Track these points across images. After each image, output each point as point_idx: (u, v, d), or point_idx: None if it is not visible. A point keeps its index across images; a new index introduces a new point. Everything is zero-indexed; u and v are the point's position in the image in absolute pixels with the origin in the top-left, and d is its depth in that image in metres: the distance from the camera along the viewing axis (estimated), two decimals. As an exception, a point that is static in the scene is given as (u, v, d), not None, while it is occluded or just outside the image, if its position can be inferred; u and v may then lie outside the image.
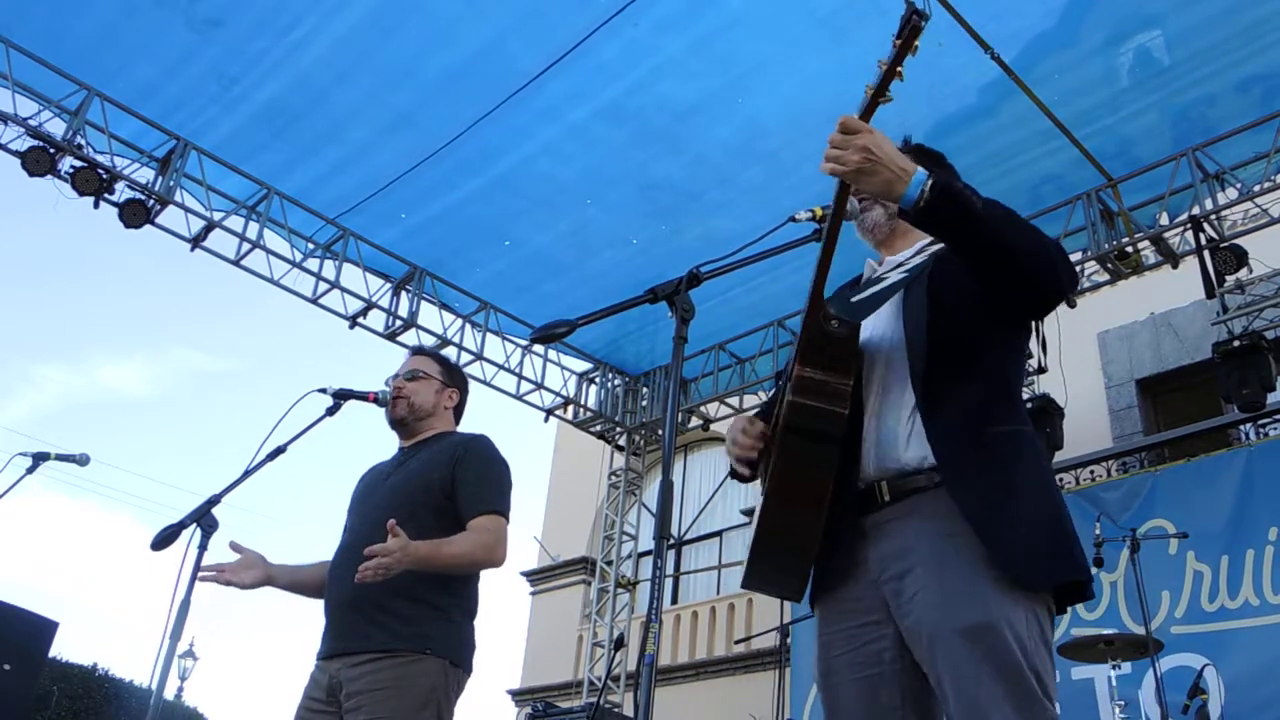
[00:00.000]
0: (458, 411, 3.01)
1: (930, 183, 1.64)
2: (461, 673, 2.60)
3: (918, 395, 1.76)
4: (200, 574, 2.49)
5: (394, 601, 2.55)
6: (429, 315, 7.29)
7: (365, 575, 2.34)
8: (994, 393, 1.80)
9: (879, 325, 1.87)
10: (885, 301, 1.85)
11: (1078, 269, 6.35)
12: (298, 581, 2.81)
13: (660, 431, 8.50)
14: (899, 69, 1.61)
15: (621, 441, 8.73)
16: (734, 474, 1.98)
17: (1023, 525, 1.67)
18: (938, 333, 1.77)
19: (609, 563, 8.66)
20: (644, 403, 8.54)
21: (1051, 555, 1.69)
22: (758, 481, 1.98)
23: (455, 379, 3.03)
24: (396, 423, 2.90)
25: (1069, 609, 1.85)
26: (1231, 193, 5.71)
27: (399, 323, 7.10)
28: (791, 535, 1.80)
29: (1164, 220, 5.98)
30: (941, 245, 1.84)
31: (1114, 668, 4.37)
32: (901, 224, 1.97)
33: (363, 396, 2.81)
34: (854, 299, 1.85)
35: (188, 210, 6.32)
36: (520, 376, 7.89)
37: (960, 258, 1.74)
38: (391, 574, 2.36)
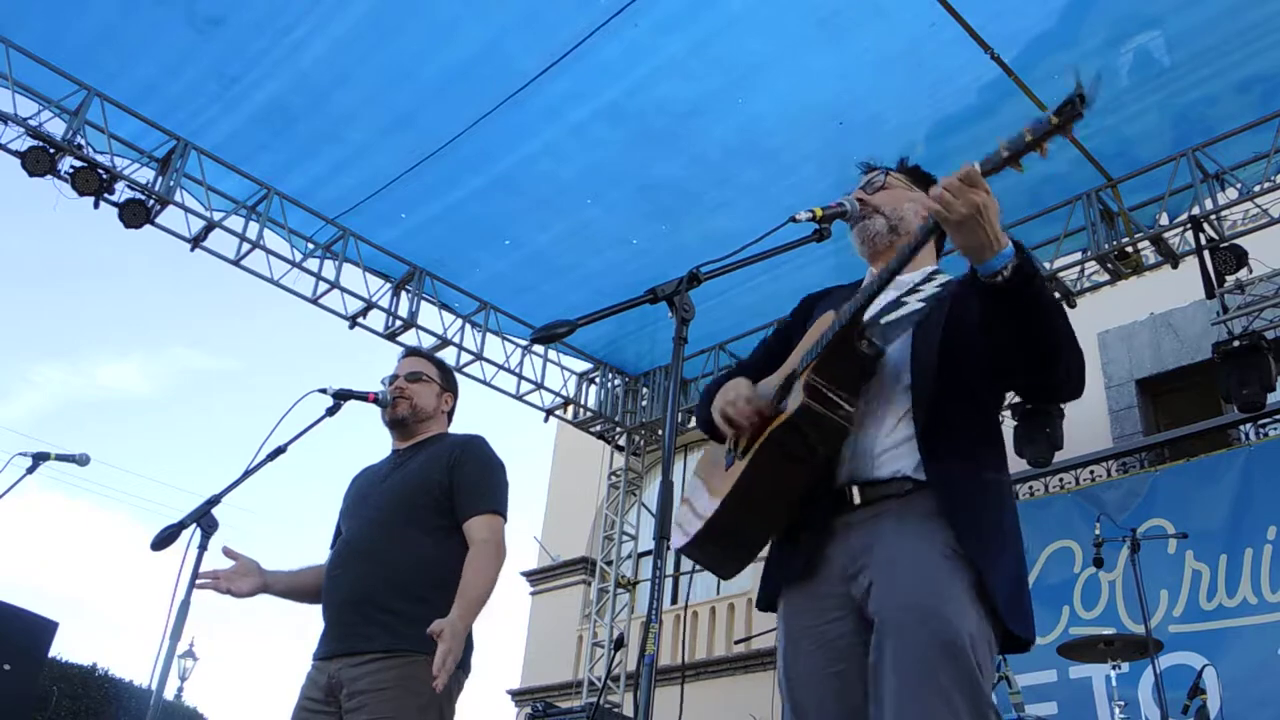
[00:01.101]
0: (450, 414, 3.03)
1: (1015, 263, 1.64)
2: (462, 673, 2.61)
3: (917, 422, 1.79)
4: (197, 582, 2.49)
5: (395, 601, 2.57)
6: (429, 315, 7.30)
7: (440, 683, 2.37)
8: (986, 437, 1.86)
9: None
10: (910, 329, 1.86)
11: (1078, 269, 6.36)
12: (294, 587, 2.82)
13: (660, 431, 8.50)
14: (1044, 145, 1.58)
15: (621, 441, 8.73)
16: (706, 428, 1.99)
17: (1003, 563, 1.73)
18: (945, 374, 1.80)
19: (609, 563, 8.66)
20: (644, 403, 8.54)
21: (1016, 601, 1.73)
22: (719, 449, 1.98)
23: (451, 382, 3.05)
24: (397, 423, 2.91)
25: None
26: (1231, 193, 5.71)
27: (399, 323, 7.10)
28: (752, 527, 1.85)
29: (1164, 220, 5.98)
30: (954, 278, 1.86)
31: (1113, 667, 4.38)
32: (900, 241, 1.96)
33: (362, 397, 2.82)
34: (884, 320, 1.85)
35: (188, 210, 6.32)
36: (520, 376, 7.88)
37: (997, 328, 1.73)
38: (460, 656, 2.43)
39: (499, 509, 2.72)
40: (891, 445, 1.79)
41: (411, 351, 3.12)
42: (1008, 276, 1.63)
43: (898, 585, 1.68)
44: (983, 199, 1.61)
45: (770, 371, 1.97)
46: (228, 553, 2.71)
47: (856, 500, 1.79)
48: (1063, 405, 6.82)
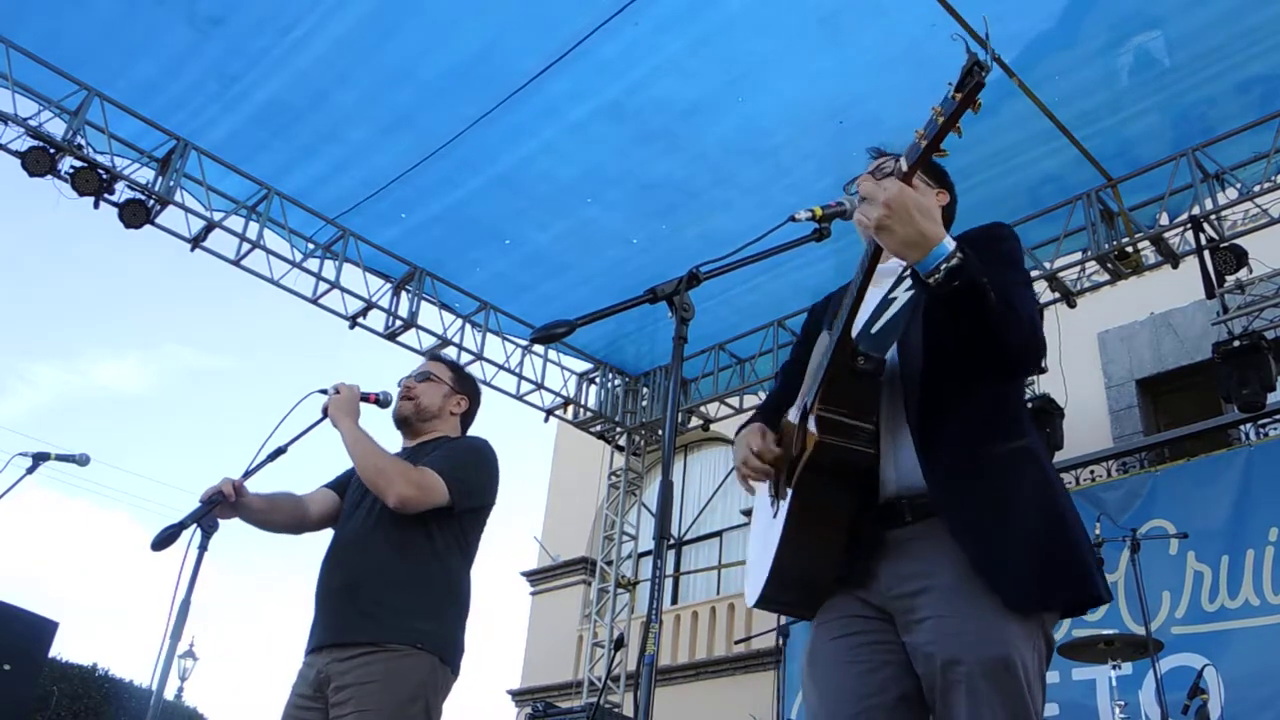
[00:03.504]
0: (465, 419, 3.02)
1: (951, 264, 1.59)
2: (449, 672, 2.62)
3: (912, 428, 1.75)
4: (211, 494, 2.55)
5: (385, 593, 2.57)
6: (429, 315, 7.30)
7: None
8: (991, 412, 1.78)
9: None
10: (903, 326, 1.82)
11: (1078, 269, 6.36)
12: (269, 506, 2.76)
13: (660, 431, 8.49)
14: (957, 124, 1.54)
15: (621, 441, 8.73)
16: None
17: (1024, 552, 1.66)
18: (933, 359, 1.75)
19: (609, 563, 8.65)
20: (644, 403, 8.54)
21: (1057, 577, 1.67)
22: (762, 486, 1.98)
23: (466, 386, 3.04)
24: (401, 421, 2.92)
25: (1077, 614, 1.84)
26: (1231, 193, 5.71)
27: (399, 323, 7.10)
28: (810, 566, 1.81)
29: (1164, 220, 5.98)
30: None
31: (1114, 668, 4.37)
32: None
33: (363, 397, 2.82)
34: (875, 329, 1.82)
35: (188, 210, 6.31)
36: (520, 377, 7.88)
37: (948, 319, 1.72)
38: (345, 398, 2.69)
39: (446, 475, 2.65)
40: (911, 454, 1.75)
41: (433, 356, 3.13)
42: (940, 279, 1.59)
43: (952, 626, 1.64)
44: (890, 195, 1.60)
45: (795, 396, 1.93)
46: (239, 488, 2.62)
47: (908, 517, 1.74)
48: (1062, 406, 6.84)
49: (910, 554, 1.73)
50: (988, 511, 1.68)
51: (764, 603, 1.89)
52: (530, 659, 12.37)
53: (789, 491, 1.78)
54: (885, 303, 1.87)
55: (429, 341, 7.31)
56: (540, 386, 8.04)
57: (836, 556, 1.78)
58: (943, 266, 1.59)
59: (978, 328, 1.66)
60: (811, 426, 1.72)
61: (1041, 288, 6.31)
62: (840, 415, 1.71)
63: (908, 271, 1.89)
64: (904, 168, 1.62)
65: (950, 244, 1.61)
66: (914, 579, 1.71)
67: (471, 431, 3.04)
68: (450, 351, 7.38)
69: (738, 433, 2.00)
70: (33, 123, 5.73)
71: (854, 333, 1.76)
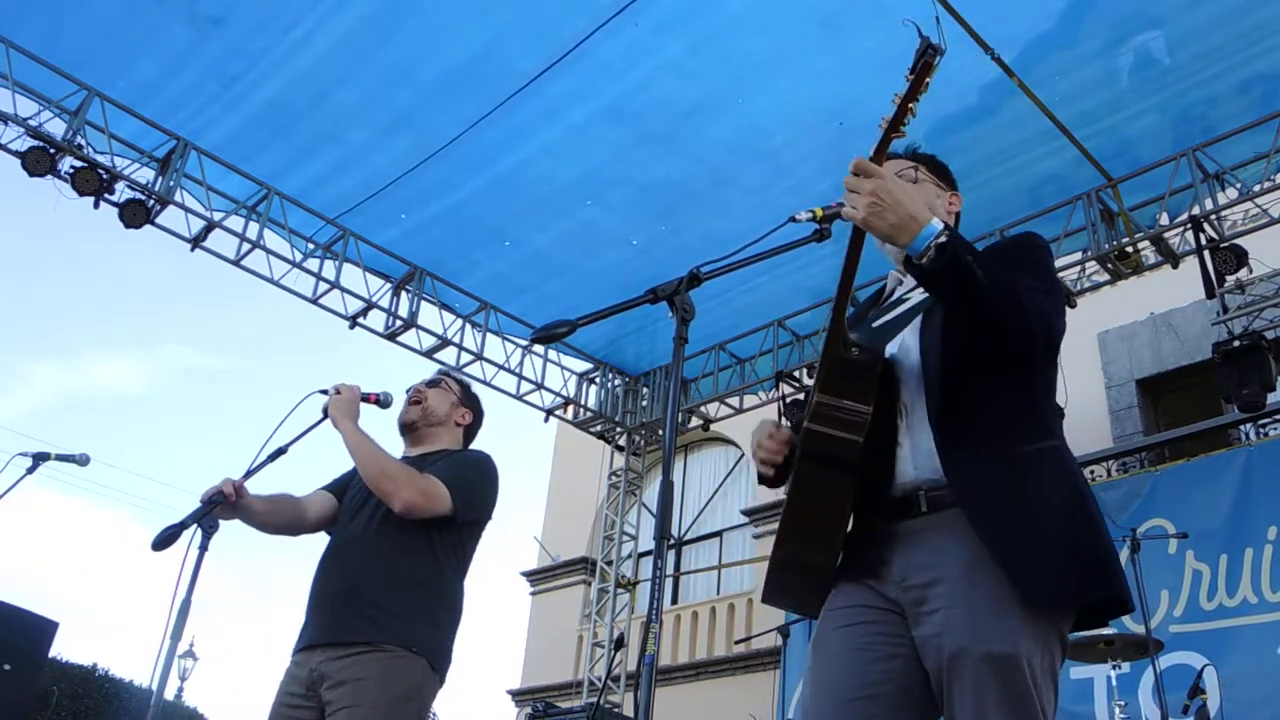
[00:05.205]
0: (468, 433, 3.02)
1: (937, 243, 1.60)
2: (437, 679, 2.63)
3: (932, 426, 1.74)
4: (213, 499, 2.54)
5: (383, 596, 2.58)
6: (429, 315, 7.30)
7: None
8: (1016, 412, 1.76)
9: (905, 340, 1.86)
10: (907, 325, 1.83)
11: (1078, 269, 6.35)
12: (270, 509, 2.76)
13: (660, 431, 8.50)
14: (912, 105, 1.60)
15: (621, 441, 8.73)
16: (761, 479, 1.99)
17: (1046, 548, 1.65)
18: (953, 359, 1.75)
19: (609, 563, 8.66)
20: (644, 403, 8.54)
21: (1079, 577, 1.67)
22: (762, 485, 1.99)
23: (471, 401, 3.06)
24: (406, 426, 2.92)
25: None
26: (1231, 193, 5.71)
27: (399, 323, 7.10)
28: (808, 558, 1.82)
29: (1164, 220, 5.98)
30: None
31: (1114, 667, 4.38)
32: None
33: (364, 398, 2.82)
34: (876, 323, 1.83)
35: (188, 210, 6.31)
36: (520, 377, 7.89)
37: (945, 309, 1.73)
38: (346, 399, 2.70)
39: (450, 485, 2.66)
40: (929, 447, 1.75)
41: (442, 373, 3.14)
42: (933, 257, 1.60)
43: (962, 618, 1.63)
44: (876, 183, 1.63)
45: None
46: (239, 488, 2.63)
47: (924, 507, 1.74)
48: (1062, 406, 6.83)
49: (923, 544, 1.73)
50: (1011, 505, 1.67)
51: (768, 595, 1.90)
52: (530, 659, 12.37)
53: (789, 487, 1.80)
54: (898, 300, 1.89)
55: (429, 342, 7.32)
56: (540, 386, 8.04)
57: (835, 547, 1.79)
58: (932, 244, 1.61)
59: (972, 311, 1.66)
60: (806, 415, 1.75)
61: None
62: (834, 405, 1.72)
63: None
64: (862, 158, 1.66)
65: (939, 224, 1.63)
66: (927, 569, 1.71)
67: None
68: (450, 351, 7.40)
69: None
70: (33, 123, 5.73)
71: (855, 318, 1.78)
